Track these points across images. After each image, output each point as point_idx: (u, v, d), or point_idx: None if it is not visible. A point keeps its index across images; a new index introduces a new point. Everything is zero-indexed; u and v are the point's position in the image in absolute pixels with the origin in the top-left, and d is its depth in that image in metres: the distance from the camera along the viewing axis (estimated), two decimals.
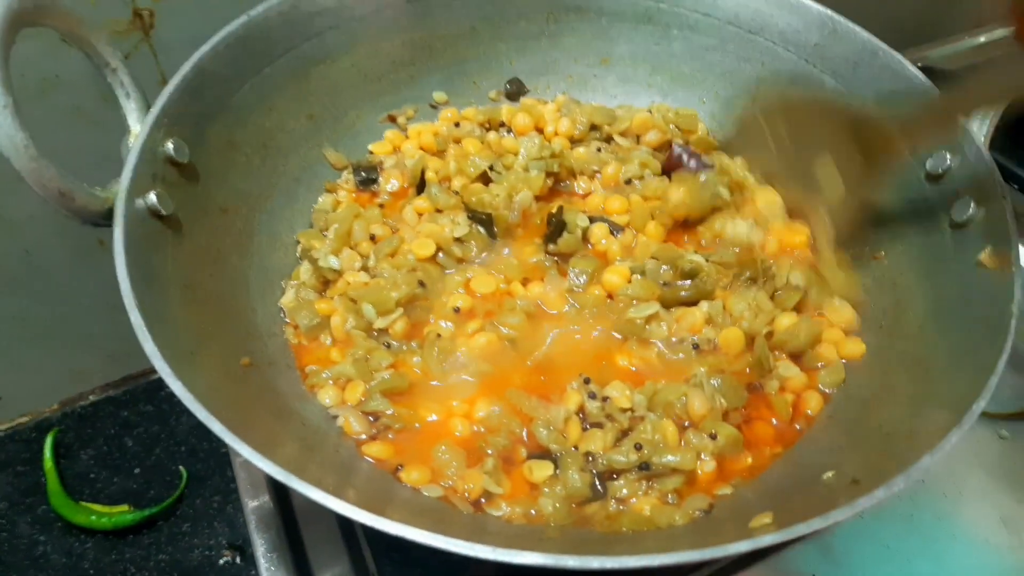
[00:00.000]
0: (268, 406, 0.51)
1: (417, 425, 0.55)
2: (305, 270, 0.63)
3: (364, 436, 0.54)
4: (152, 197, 0.50)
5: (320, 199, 0.68)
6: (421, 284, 0.60)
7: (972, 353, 0.49)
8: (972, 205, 0.55)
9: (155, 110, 0.52)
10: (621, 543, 0.46)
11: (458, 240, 0.63)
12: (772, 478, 0.51)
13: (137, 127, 0.53)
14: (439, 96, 0.73)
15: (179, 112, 0.54)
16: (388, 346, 0.58)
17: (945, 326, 0.53)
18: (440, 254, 0.63)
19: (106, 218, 0.48)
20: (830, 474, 0.47)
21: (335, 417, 0.55)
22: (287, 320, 0.60)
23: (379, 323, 0.58)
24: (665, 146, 0.71)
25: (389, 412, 0.55)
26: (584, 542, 0.47)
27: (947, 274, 0.55)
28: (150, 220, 0.50)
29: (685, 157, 0.67)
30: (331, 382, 0.57)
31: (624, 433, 0.53)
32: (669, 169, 0.67)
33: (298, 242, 0.64)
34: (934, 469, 0.66)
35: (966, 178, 0.56)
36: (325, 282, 0.63)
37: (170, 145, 0.53)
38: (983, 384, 0.44)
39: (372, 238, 0.64)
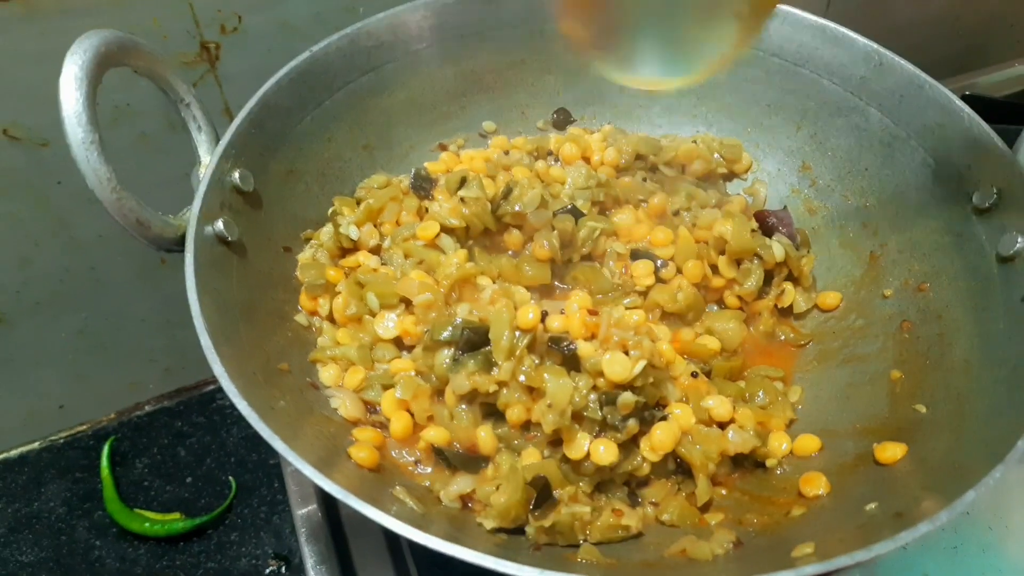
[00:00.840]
0: (324, 423, 0.53)
1: None
2: (327, 232, 0.64)
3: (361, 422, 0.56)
4: (220, 224, 0.53)
5: (372, 176, 0.69)
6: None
7: (1017, 388, 0.49)
8: (1020, 239, 0.55)
9: (223, 142, 0.55)
10: (661, 570, 0.47)
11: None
12: (814, 508, 0.51)
13: (207, 158, 0.56)
14: (488, 125, 0.75)
15: (245, 143, 0.57)
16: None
17: (990, 360, 0.53)
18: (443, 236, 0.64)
19: (177, 244, 0.51)
20: (873, 505, 0.48)
21: (330, 398, 0.56)
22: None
23: (380, 315, 0.60)
24: (710, 176, 0.72)
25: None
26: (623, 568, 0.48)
27: (993, 308, 0.55)
28: (217, 246, 0.53)
29: (773, 221, 0.68)
30: (334, 362, 0.58)
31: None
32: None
33: (332, 204, 0.66)
34: (978, 501, 0.66)
35: (1013, 212, 0.56)
36: (342, 250, 0.65)
37: (236, 175, 0.55)
38: None
39: (399, 224, 0.66)
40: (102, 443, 0.89)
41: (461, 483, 0.52)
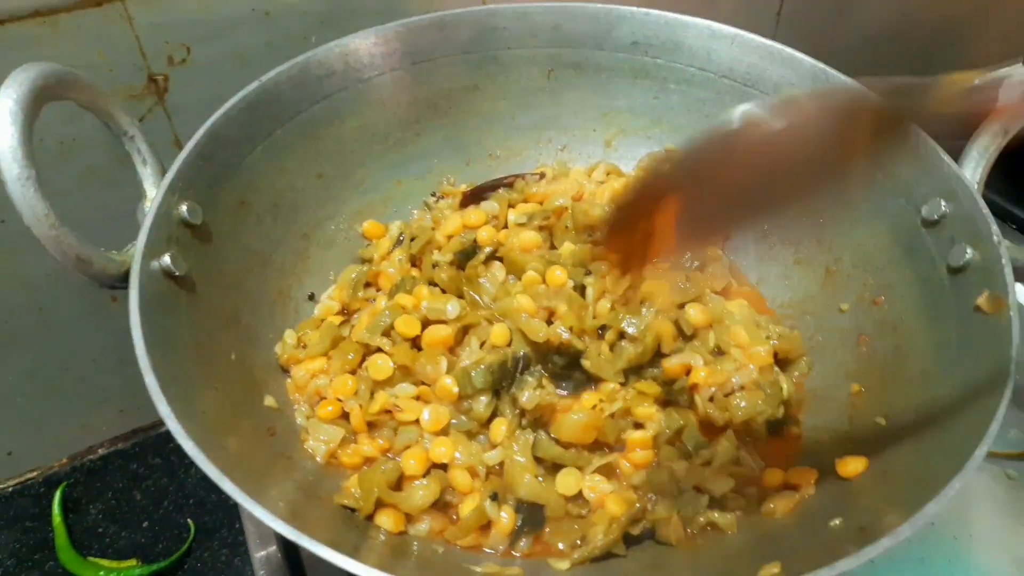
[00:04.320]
0: (283, 465, 0.52)
1: None
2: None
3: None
4: (167, 259, 0.51)
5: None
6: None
7: (973, 397, 0.49)
8: (968, 250, 0.56)
9: (170, 175, 0.54)
10: None
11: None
12: (779, 526, 0.51)
13: (153, 191, 0.55)
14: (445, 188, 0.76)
15: (193, 176, 0.56)
16: None
17: (946, 371, 0.53)
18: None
19: (122, 281, 0.49)
20: (837, 521, 0.47)
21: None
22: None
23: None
24: None
25: None
26: None
27: (946, 319, 0.56)
28: (164, 281, 0.51)
29: None
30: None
31: None
32: None
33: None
34: (943, 511, 0.66)
35: (961, 223, 0.57)
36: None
37: (184, 208, 0.54)
38: (985, 429, 0.45)
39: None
40: (53, 490, 0.85)
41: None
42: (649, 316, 0.59)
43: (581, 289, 0.63)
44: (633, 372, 0.60)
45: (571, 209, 0.66)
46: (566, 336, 0.59)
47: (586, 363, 0.59)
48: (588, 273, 0.64)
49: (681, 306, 0.61)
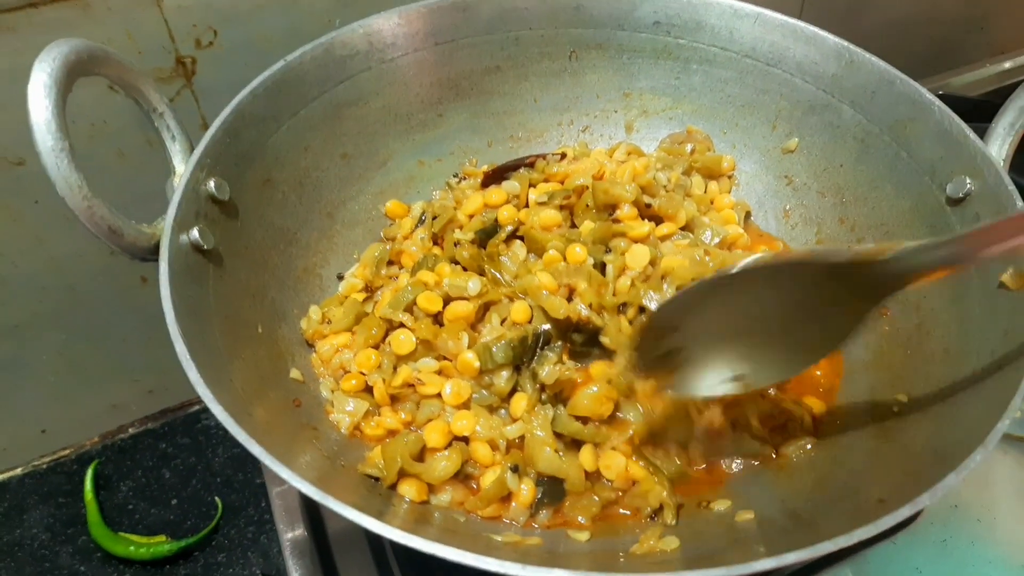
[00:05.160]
0: (308, 435, 0.53)
1: None
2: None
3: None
4: (195, 233, 0.52)
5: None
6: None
7: (996, 373, 0.49)
8: None
9: (198, 151, 0.55)
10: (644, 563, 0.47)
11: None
12: (800, 501, 0.51)
13: (181, 167, 0.56)
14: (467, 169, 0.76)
15: (220, 153, 0.57)
16: None
17: (969, 347, 0.53)
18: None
19: (152, 253, 0.51)
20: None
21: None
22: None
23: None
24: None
25: None
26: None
27: (970, 296, 0.55)
28: (193, 254, 0.53)
29: None
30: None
31: None
32: None
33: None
34: (966, 493, 0.66)
35: (986, 201, 0.57)
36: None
37: (212, 184, 0.55)
38: (1007, 403, 0.44)
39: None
40: (86, 467, 0.87)
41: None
42: (669, 292, 0.59)
43: (601, 267, 0.63)
44: None
45: (592, 188, 0.66)
46: (585, 313, 0.59)
47: (605, 339, 0.59)
48: (608, 251, 0.64)
49: None
